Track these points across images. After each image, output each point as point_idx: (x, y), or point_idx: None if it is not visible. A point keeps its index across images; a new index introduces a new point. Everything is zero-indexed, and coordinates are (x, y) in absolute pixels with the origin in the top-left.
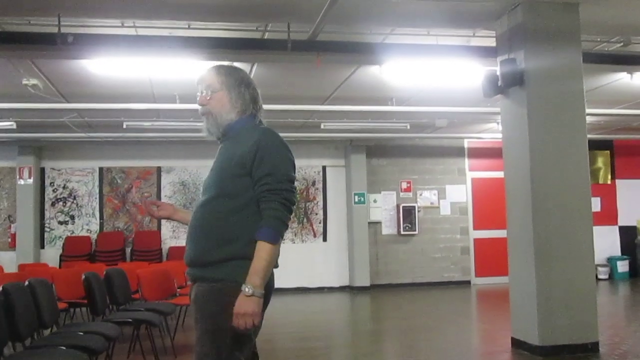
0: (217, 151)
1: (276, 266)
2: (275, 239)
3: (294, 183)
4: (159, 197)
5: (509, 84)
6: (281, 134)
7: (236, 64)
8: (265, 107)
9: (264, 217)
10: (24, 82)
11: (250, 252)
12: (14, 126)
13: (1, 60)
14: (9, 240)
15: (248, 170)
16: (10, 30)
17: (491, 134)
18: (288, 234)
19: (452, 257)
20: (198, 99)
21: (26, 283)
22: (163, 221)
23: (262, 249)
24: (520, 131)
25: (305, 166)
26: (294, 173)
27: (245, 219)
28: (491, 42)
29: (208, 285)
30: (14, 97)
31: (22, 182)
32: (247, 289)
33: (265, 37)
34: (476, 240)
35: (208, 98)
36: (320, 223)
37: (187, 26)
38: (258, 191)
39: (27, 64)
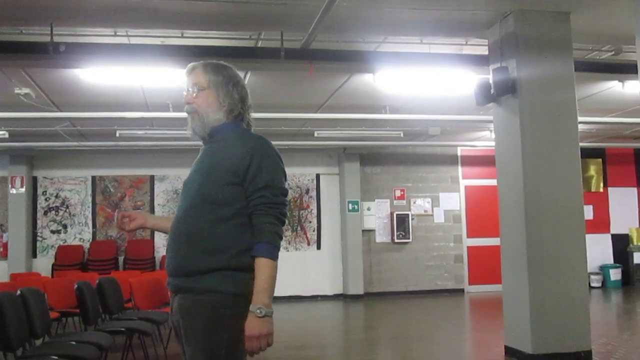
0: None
1: None
2: (275, 255)
3: (287, 196)
4: (152, 205)
5: (501, 92)
6: (275, 142)
7: None
8: (259, 115)
9: (261, 232)
10: (17, 91)
11: (237, 263)
12: (6, 135)
13: None
14: (1, 249)
15: (241, 179)
16: (2, 39)
17: (484, 142)
18: (282, 243)
19: (445, 265)
20: (184, 97)
21: (18, 292)
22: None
23: (265, 265)
24: (513, 139)
25: (299, 174)
26: (286, 185)
27: (233, 229)
28: (483, 51)
29: (193, 297)
30: (6, 107)
31: (14, 191)
32: (257, 310)
33: (259, 45)
34: (470, 248)
35: (194, 96)
36: (314, 231)
37: (180, 35)
38: (253, 203)
39: (19, 73)
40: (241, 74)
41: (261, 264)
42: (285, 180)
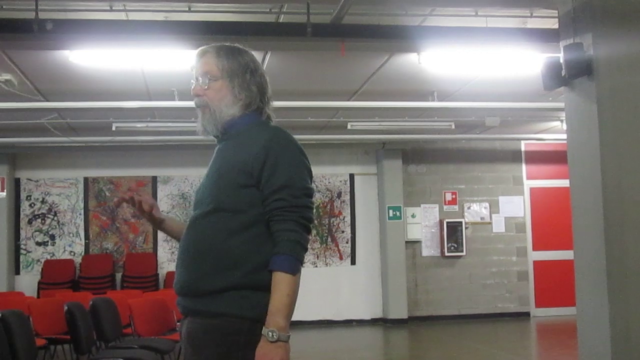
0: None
1: None
2: (296, 268)
3: (312, 197)
4: None
5: (574, 74)
6: (300, 137)
7: None
8: (281, 104)
9: (279, 242)
10: None
11: (255, 280)
12: None
13: None
14: None
15: (255, 180)
16: None
17: (553, 134)
18: (309, 257)
19: (507, 284)
20: (192, 87)
21: None
22: (160, 242)
23: (282, 281)
24: (589, 131)
25: (329, 175)
26: (311, 184)
27: (250, 240)
28: (553, 24)
29: (204, 321)
30: None
31: None
32: (270, 334)
33: (280, 20)
34: (536, 263)
35: (205, 87)
36: (347, 243)
37: (187, 9)
38: (270, 208)
39: None
40: (260, 54)
41: (277, 280)
42: (311, 179)
